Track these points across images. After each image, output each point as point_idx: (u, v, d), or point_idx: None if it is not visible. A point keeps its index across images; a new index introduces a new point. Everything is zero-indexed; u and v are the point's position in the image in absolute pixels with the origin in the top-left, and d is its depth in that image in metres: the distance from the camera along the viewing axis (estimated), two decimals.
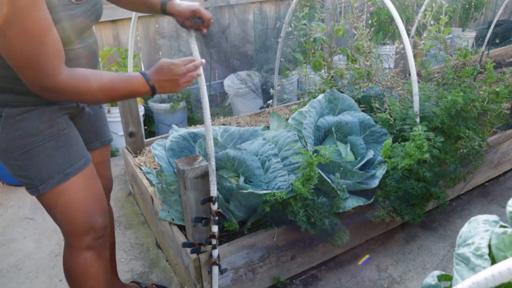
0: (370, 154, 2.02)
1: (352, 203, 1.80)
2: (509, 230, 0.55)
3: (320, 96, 2.15)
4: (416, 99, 1.98)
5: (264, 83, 3.58)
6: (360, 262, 2.04)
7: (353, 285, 1.91)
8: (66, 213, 1.27)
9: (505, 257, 0.53)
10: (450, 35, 3.86)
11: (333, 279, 1.95)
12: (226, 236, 1.79)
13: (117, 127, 3.01)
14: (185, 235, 1.71)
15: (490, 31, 3.66)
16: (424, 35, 2.57)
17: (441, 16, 2.43)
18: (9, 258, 2.15)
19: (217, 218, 1.49)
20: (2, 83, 1.13)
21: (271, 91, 3.10)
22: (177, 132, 2.07)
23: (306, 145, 1.92)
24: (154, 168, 2.30)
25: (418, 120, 2.01)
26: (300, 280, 1.94)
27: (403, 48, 1.95)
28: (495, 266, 0.45)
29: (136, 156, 2.44)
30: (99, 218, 1.32)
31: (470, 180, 2.36)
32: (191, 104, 3.58)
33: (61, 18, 1.10)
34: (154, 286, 1.90)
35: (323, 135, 2.10)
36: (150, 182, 2.01)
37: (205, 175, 1.45)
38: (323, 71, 2.55)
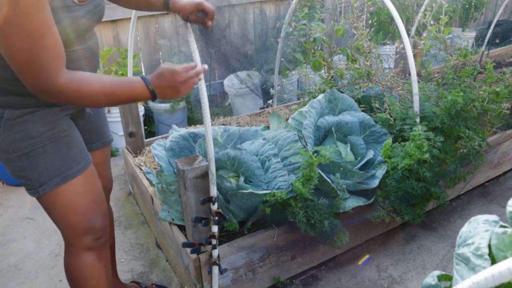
0: (370, 154, 2.02)
1: (352, 203, 1.80)
2: (509, 230, 0.55)
3: (320, 96, 2.15)
4: (416, 99, 1.98)
5: (264, 83, 3.58)
6: (360, 262, 2.04)
7: (353, 285, 1.91)
8: (65, 215, 1.27)
9: (505, 257, 0.53)
10: (450, 35, 3.86)
11: (333, 279, 1.95)
12: (226, 236, 1.79)
13: (117, 127, 3.01)
14: (185, 235, 1.71)
15: (490, 31, 3.66)
16: (424, 35, 2.57)
17: (441, 16, 2.43)
18: (9, 258, 2.15)
19: (217, 218, 1.49)
20: (3, 84, 1.12)
21: (271, 91, 3.10)
22: (177, 132, 2.07)
23: (306, 145, 1.92)
24: (154, 168, 2.30)
25: (418, 120, 2.01)
26: (300, 280, 1.94)
27: (403, 48, 1.95)
28: (495, 266, 0.45)
29: (136, 156, 2.44)
30: (99, 219, 1.32)
31: (470, 180, 2.36)
32: (191, 104, 3.58)
33: (65, 19, 1.09)
34: (154, 286, 1.90)
35: (323, 135, 2.10)
36: (150, 182, 2.01)
37: (205, 175, 1.45)
38: (323, 71, 2.55)
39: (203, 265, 1.60)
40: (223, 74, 3.91)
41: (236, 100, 3.65)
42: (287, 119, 2.43)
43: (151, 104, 3.44)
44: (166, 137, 2.30)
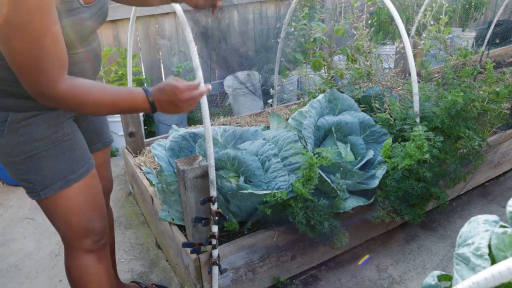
0: (370, 154, 2.02)
1: (352, 203, 1.80)
2: (509, 230, 0.55)
3: (320, 96, 2.15)
4: (416, 99, 1.98)
5: (264, 83, 3.58)
6: (360, 262, 2.04)
7: (353, 285, 1.91)
8: (66, 218, 1.26)
9: (505, 257, 0.53)
10: (450, 35, 3.86)
11: (333, 279, 1.95)
12: (226, 236, 1.79)
13: (117, 127, 3.01)
14: (185, 235, 1.71)
15: (490, 31, 3.66)
16: (424, 35, 2.57)
17: (441, 16, 2.43)
18: (9, 258, 2.15)
19: (217, 218, 1.49)
20: (5, 86, 1.11)
21: (271, 91, 3.10)
22: (177, 132, 2.07)
23: (306, 145, 1.92)
24: (154, 168, 2.30)
25: (418, 120, 2.01)
26: (300, 280, 1.94)
27: (403, 48, 1.95)
28: (495, 266, 0.45)
29: (136, 156, 2.44)
30: (98, 221, 1.32)
31: (470, 180, 2.36)
32: None
33: (71, 22, 1.08)
34: (154, 286, 1.90)
35: (323, 135, 2.10)
36: (150, 182, 2.02)
37: (205, 175, 1.45)
38: (323, 71, 2.55)
39: (203, 265, 1.60)
40: (223, 74, 3.91)
41: (236, 100, 3.66)
42: (287, 119, 2.43)
43: None
44: (166, 137, 2.30)
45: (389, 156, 1.92)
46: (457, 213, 2.40)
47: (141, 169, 2.24)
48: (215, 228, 1.52)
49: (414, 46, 2.81)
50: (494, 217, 0.61)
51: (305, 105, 2.30)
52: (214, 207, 1.47)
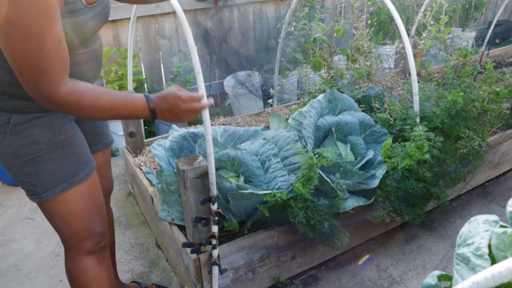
0: (370, 154, 2.02)
1: (352, 203, 1.80)
2: (509, 230, 0.55)
3: (320, 96, 2.15)
4: (416, 99, 1.98)
5: (264, 83, 3.58)
6: (360, 262, 2.04)
7: (353, 285, 1.91)
8: (66, 220, 1.26)
9: (505, 257, 0.53)
10: (450, 35, 3.86)
11: (333, 279, 1.95)
12: (226, 236, 1.79)
13: (117, 127, 3.01)
14: (185, 235, 1.71)
15: (490, 31, 3.66)
16: (424, 35, 2.56)
17: (441, 16, 2.43)
18: (9, 258, 2.15)
19: (217, 218, 1.49)
20: (9, 88, 1.11)
21: (271, 91, 3.10)
22: (177, 132, 2.07)
23: (306, 145, 1.92)
24: (154, 168, 2.30)
25: (418, 120, 2.01)
26: (300, 280, 1.94)
27: (403, 48, 1.95)
28: (495, 266, 0.45)
29: (136, 156, 2.44)
30: (98, 224, 1.32)
31: (470, 180, 2.36)
32: None
33: (74, 22, 1.08)
34: (154, 286, 1.90)
35: (323, 135, 2.10)
36: (150, 182, 2.02)
37: (205, 175, 1.45)
38: (323, 71, 2.55)
39: (203, 265, 1.60)
40: (223, 74, 3.91)
41: (236, 100, 3.66)
42: (287, 119, 2.43)
43: None
44: (166, 137, 2.30)
45: (389, 156, 1.92)
46: (457, 213, 2.40)
47: (141, 169, 2.24)
48: (215, 228, 1.52)
49: (414, 46, 2.81)
50: (494, 217, 0.61)
51: (305, 105, 2.30)
52: (214, 207, 1.47)
